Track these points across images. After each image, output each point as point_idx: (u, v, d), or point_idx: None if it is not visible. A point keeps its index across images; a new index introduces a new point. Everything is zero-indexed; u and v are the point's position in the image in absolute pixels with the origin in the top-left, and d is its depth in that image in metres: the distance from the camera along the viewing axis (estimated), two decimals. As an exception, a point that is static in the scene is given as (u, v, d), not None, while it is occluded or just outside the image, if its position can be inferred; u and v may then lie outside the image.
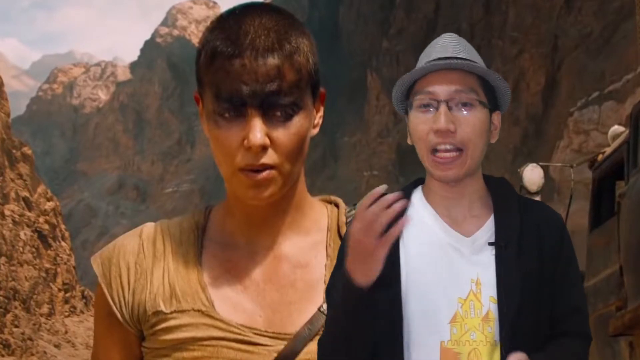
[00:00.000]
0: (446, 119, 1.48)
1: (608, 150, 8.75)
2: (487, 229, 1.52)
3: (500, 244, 1.49)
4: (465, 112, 1.50)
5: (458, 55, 1.53)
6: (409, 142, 1.59)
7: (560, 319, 1.49)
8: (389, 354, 1.50)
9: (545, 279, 1.49)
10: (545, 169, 9.26)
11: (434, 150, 1.51)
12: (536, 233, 1.51)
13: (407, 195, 1.56)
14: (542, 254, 1.50)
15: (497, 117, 1.57)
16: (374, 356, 1.51)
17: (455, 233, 1.51)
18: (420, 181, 1.62)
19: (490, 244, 1.50)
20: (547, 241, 1.51)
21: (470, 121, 1.50)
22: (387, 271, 1.48)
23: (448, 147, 1.50)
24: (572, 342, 1.50)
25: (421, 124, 1.52)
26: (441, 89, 1.50)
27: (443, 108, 1.49)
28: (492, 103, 1.55)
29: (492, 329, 1.48)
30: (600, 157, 8.96)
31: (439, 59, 1.52)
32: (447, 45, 1.54)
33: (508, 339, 1.47)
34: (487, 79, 1.55)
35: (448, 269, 1.49)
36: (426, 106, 1.52)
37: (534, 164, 9.11)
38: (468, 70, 1.52)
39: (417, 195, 1.58)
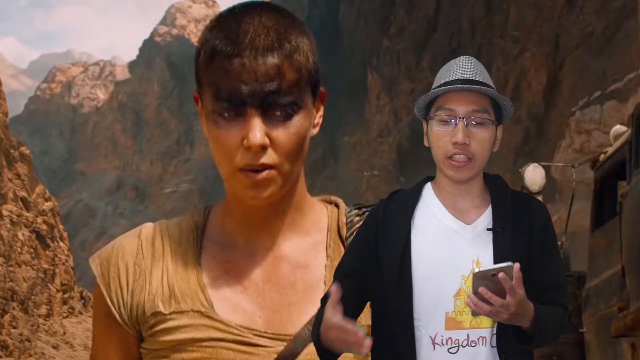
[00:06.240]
0: (463, 134, 1.78)
1: (610, 150, 8.74)
2: (486, 217, 1.81)
3: (497, 229, 1.78)
4: (478, 130, 1.81)
5: (476, 79, 1.83)
6: (425, 144, 1.87)
7: (544, 291, 1.78)
8: (401, 324, 1.74)
9: (533, 258, 1.77)
10: (547, 169, 9.28)
11: (450, 157, 1.80)
12: (526, 220, 1.80)
13: (418, 190, 1.85)
14: (531, 237, 1.79)
15: (499, 130, 1.87)
16: (386, 326, 1.75)
17: (458, 222, 1.80)
18: (429, 178, 1.88)
19: (488, 229, 1.79)
20: (535, 227, 1.81)
21: (482, 137, 1.81)
22: (401, 256, 1.75)
23: (462, 156, 1.79)
24: (555, 308, 1.78)
25: (441, 134, 1.81)
26: (460, 108, 1.80)
27: (461, 124, 1.79)
28: (498, 119, 1.84)
29: None
30: (602, 157, 8.96)
31: (459, 80, 1.81)
32: (466, 68, 1.84)
33: None
34: (497, 101, 1.85)
35: (453, 251, 1.77)
36: (447, 121, 1.81)
37: (536, 164, 9.13)
38: (484, 93, 1.83)
39: (428, 190, 1.85)
